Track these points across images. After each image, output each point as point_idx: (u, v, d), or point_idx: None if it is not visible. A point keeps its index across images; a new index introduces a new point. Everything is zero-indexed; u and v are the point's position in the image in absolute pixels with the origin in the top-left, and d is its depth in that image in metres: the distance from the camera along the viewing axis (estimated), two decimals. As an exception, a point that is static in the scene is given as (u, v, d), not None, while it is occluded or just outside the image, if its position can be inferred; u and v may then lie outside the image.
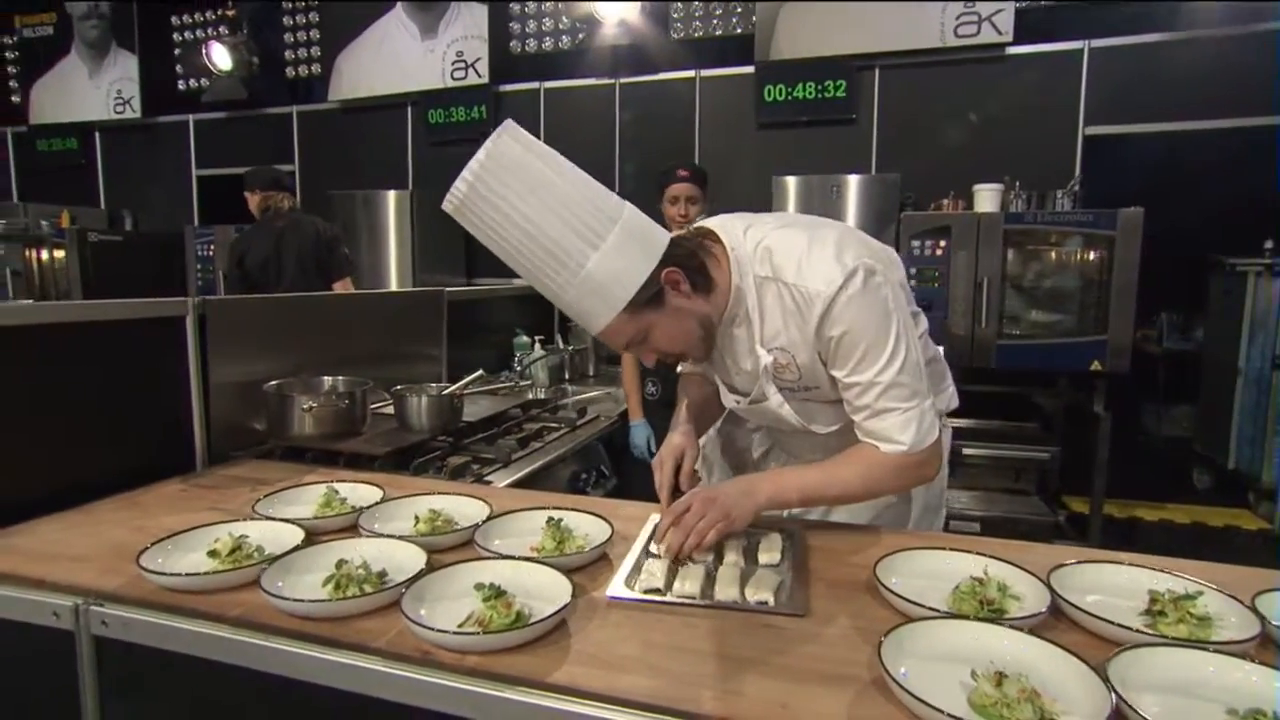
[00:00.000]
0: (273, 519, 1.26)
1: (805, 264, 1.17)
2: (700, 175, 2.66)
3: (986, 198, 3.54)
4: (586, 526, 1.25)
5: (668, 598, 1.04)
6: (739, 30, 4.49)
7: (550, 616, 0.92)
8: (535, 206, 1.08)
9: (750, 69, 4.40)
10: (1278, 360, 4.12)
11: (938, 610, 0.97)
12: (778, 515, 1.47)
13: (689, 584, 1.06)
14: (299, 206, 3.79)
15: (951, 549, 1.13)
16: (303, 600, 0.97)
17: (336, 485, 1.41)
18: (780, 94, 4.39)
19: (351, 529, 1.28)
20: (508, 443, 1.99)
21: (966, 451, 3.52)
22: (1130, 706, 0.72)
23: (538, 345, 3.32)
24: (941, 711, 0.72)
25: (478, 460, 1.87)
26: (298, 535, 1.18)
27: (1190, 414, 4.56)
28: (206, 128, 5.78)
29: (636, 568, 1.13)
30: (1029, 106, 3.99)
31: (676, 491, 1.32)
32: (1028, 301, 3.49)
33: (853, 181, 3.89)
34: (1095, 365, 3.33)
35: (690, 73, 4.57)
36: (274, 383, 1.86)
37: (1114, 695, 0.73)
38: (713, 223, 1.31)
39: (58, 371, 1.50)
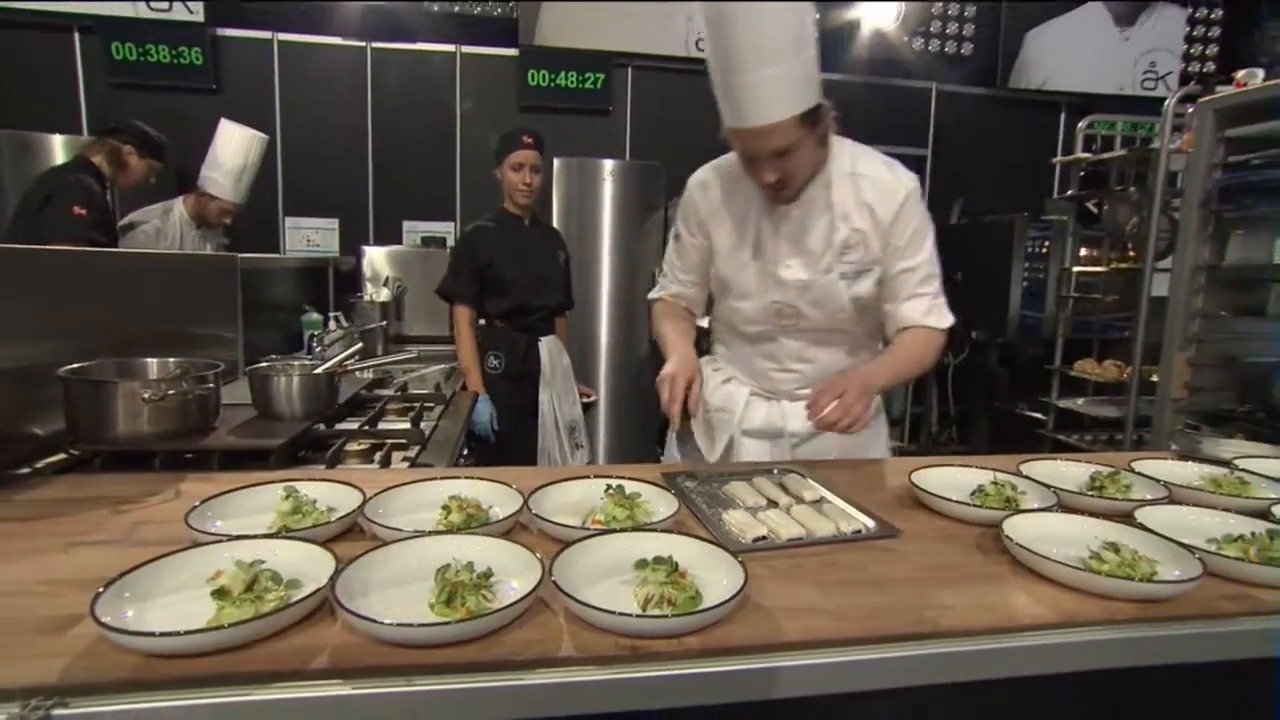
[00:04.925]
0: (249, 537, 0.85)
1: (886, 168, 1.36)
2: (541, 143, 2.46)
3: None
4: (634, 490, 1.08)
5: (781, 541, 0.97)
6: (498, 13, 4.23)
7: (733, 596, 0.74)
8: None
9: (514, 51, 4.20)
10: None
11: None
12: (761, 458, 1.47)
13: (793, 527, 1.00)
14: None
15: (960, 465, 1.25)
16: (421, 625, 0.67)
17: (295, 485, 1.00)
18: (544, 79, 4.27)
19: (347, 537, 0.93)
20: (405, 424, 1.63)
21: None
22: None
23: (333, 323, 2.77)
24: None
25: (381, 445, 1.49)
26: (318, 556, 0.81)
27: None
28: None
29: (712, 522, 1.03)
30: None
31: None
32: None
33: (621, 166, 3.95)
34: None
35: (450, 47, 4.18)
36: (73, 367, 1.25)
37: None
38: None
39: None
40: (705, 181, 1.44)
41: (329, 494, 1.02)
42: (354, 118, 4.12)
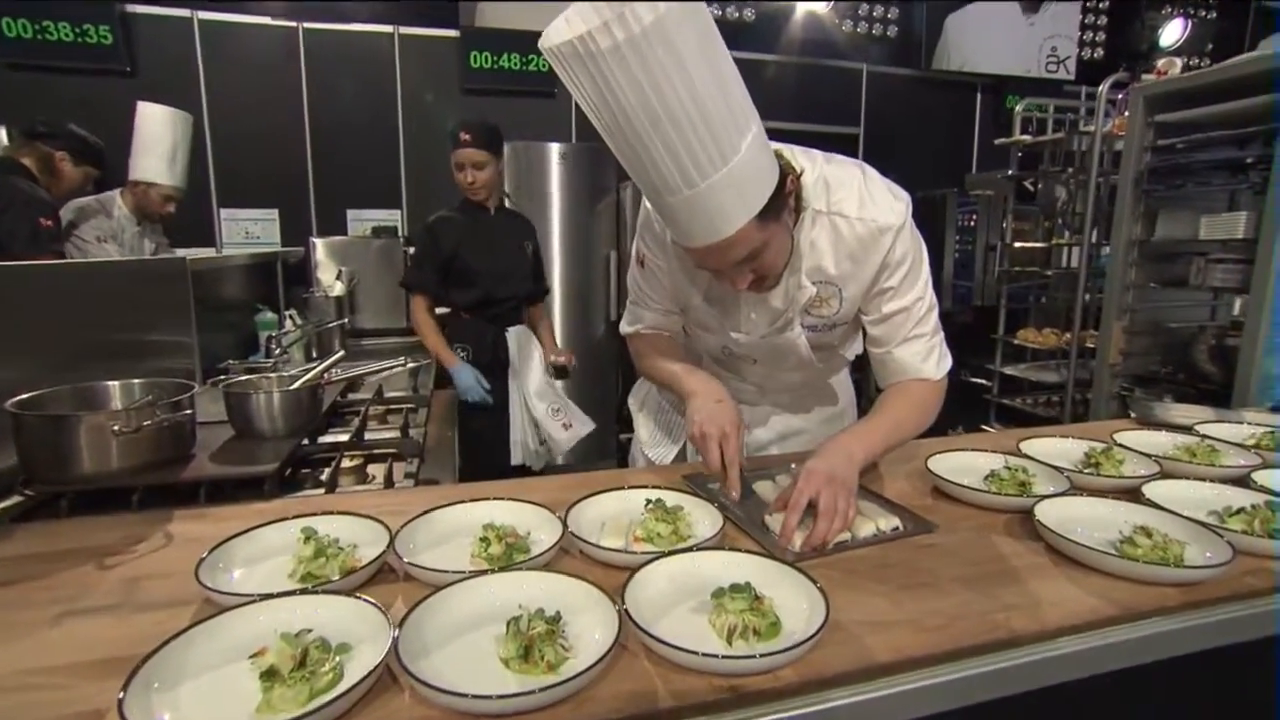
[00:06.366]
0: (277, 595, 0.73)
1: (870, 201, 1.06)
2: (485, 136, 2.25)
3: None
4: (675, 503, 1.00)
5: (830, 546, 0.93)
6: (434, -8, 3.93)
7: (821, 627, 0.68)
8: (702, 76, 0.80)
9: (455, 32, 3.93)
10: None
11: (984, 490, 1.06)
12: (761, 456, 1.41)
13: (843, 531, 0.95)
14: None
15: (971, 449, 1.23)
16: (510, 695, 0.59)
17: (311, 523, 0.87)
18: (486, 61, 4.03)
19: (377, 578, 0.82)
20: (392, 433, 1.50)
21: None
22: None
23: (289, 321, 2.54)
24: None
25: (374, 459, 1.36)
26: (360, 610, 0.70)
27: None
28: None
29: (756, 529, 0.97)
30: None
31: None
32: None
33: (570, 149, 3.78)
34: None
35: (388, 28, 3.87)
36: (23, 398, 1.06)
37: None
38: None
39: None
40: None
41: (348, 529, 0.90)
42: (288, 102, 3.78)
